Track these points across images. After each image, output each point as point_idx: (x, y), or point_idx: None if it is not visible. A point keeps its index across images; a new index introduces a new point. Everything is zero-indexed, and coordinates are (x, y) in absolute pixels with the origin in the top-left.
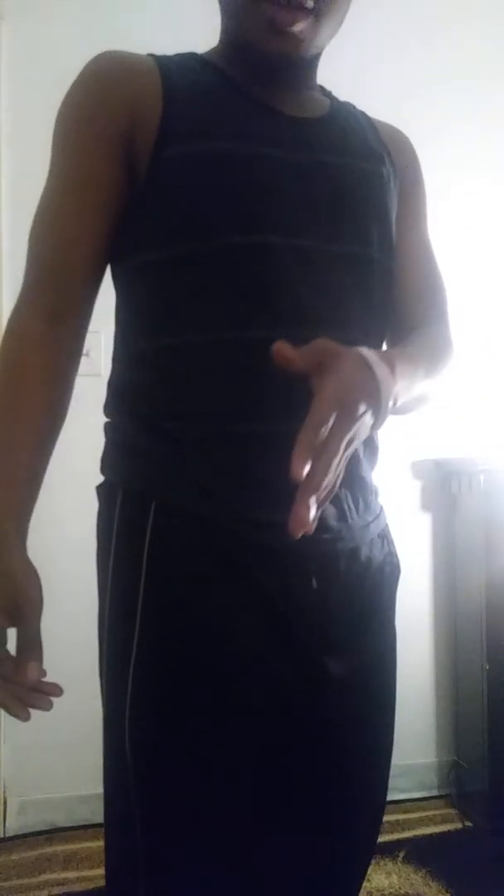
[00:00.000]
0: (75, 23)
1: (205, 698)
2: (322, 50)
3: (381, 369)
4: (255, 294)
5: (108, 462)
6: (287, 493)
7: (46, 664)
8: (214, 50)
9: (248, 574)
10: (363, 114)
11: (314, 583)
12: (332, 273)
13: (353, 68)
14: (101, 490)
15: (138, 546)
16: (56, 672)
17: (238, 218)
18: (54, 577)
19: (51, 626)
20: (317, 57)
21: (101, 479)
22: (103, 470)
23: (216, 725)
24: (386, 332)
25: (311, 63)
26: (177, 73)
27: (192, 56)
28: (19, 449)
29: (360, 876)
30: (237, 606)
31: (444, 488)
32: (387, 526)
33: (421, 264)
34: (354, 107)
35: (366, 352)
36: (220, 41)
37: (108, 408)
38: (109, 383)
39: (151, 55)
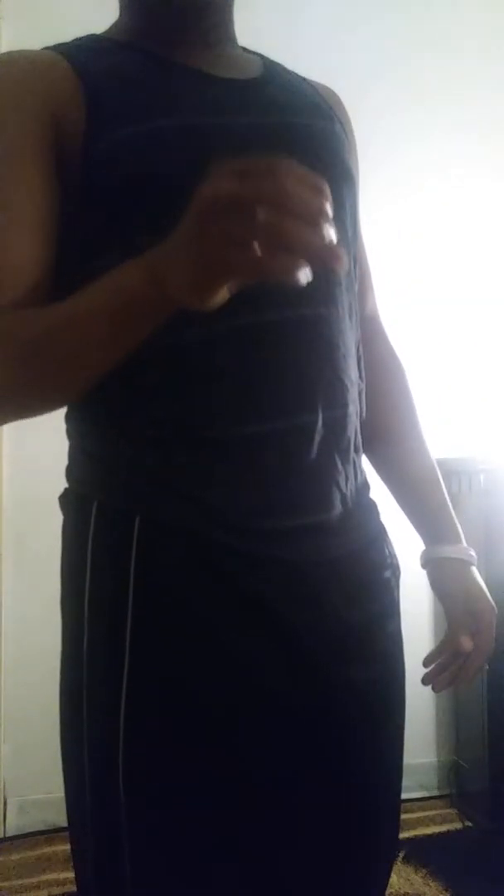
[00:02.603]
0: (76, 23)
1: (214, 738)
2: (232, 1)
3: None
4: None
5: (77, 473)
6: (286, 493)
7: (47, 668)
8: (118, 27)
9: (252, 593)
10: (294, 73)
11: (320, 594)
12: None
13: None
14: (67, 501)
15: (122, 567)
16: (55, 673)
17: None
18: (55, 580)
19: (52, 629)
20: (228, 7)
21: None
22: (70, 480)
23: (226, 766)
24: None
25: (223, 13)
26: (87, 58)
27: (95, 38)
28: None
29: (385, 880)
30: (242, 630)
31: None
32: (384, 526)
33: (361, 239)
34: (284, 66)
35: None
36: (124, 15)
37: (76, 415)
38: None
39: (49, 48)
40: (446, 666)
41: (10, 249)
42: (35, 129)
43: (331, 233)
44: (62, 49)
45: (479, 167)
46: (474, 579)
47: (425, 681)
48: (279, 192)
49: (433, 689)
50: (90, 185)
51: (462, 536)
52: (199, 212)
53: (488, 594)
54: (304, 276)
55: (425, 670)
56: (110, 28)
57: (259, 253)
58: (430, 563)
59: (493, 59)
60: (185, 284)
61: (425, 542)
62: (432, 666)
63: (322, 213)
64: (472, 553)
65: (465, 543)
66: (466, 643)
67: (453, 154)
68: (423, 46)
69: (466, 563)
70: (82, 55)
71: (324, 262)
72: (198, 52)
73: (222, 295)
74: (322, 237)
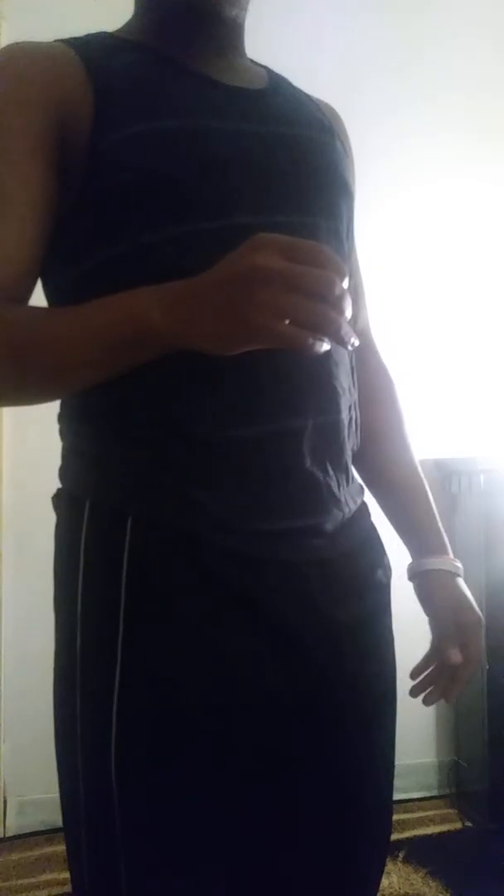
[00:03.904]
0: (76, 23)
1: (207, 736)
2: (246, 11)
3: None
4: None
5: (70, 473)
6: (279, 496)
7: (46, 668)
8: (131, 27)
9: (245, 593)
10: (298, 88)
11: (315, 593)
12: None
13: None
14: (60, 501)
15: (114, 567)
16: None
17: (203, 200)
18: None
19: (52, 629)
20: (243, 19)
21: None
22: (63, 480)
23: (220, 763)
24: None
25: (239, 25)
26: (99, 54)
27: (107, 35)
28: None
29: (379, 878)
30: (235, 630)
31: (444, 488)
32: (375, 527)
33: (355, 253)
34: (289, 80)
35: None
36: (139, 16)
37: (69, 415)
38: (72, 396)
39: (61, 40)
40: (434, 679)
41: (3, 241)
42: (38, 122)
43: (347, 315)
44: (73, 43)
45: (480, 165)
46: (462, 591)
47: (413, 693)
48: (324, 283)
49: (423, 702)
50: (94, 181)
51: (448, 547)
52: (243, 274)
53: (475, 605)
54: (320, 347)
55: (424, 703)
56: (123, 27)
57: (290, 327)
58: (418, 575)
59: (494, 57)
60: (212, 334)
61: (412, 555)
62: (419, 678)
63: (345, 301)
64: (459, 564)
65: (451, 554)
66: (455, 656)
67: (453, 153)
68: (422, 43)
69: (453, 575)
70: (93, 51)
71: (340, 342)
72: (208, 60)
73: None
74: (343, 323)
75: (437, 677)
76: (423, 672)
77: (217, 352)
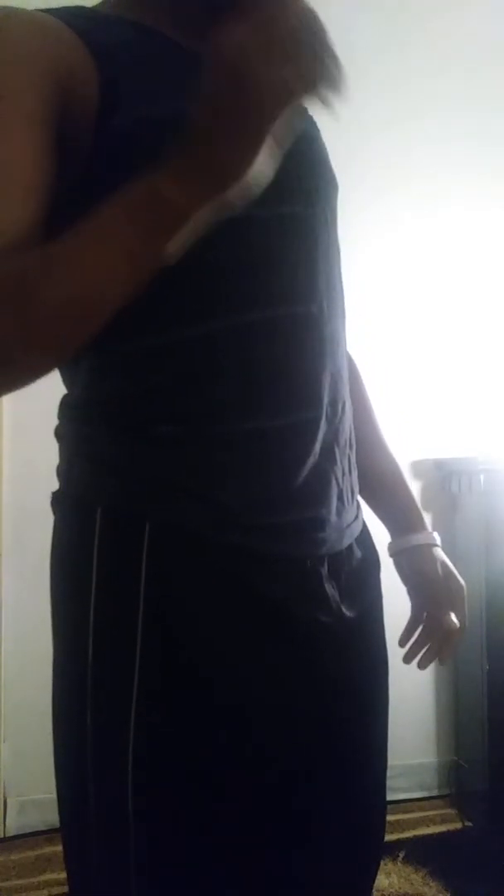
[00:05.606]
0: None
1: (227, 744)
2: None
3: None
4: (245, 275)
5: (76, 476)
6: (294, 488)
7: (47, 668)
8: (117, 3)
9: (263, 593)
10: None
11: (323, 588)
12: (317, 241)
13: None
14: (64, 506)
15: (131, 576)
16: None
17: None
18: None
19: (51, 628)
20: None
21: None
22: (66, 484)
23: (239, 767)
24: None
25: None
26: (92, 28)
27: (90, 10)
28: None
29: (374, 877)
30: (258, 633)
31: (444, 488)
32: (365, 522)
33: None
34: None
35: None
36: None
37: (75, 415)
38: (75, 395)
39: (44, 10)
40: (424, 643)
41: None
42: (38, 89)
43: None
44: (59, 14)
45: (479, 172)
46: (444, 560)
47: (407, 660)
48: (296, 28)
49: (418, 666)
50: (103, 159)
51: (426, 521)
52: (233, 75)
53: (457, 572)
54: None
55: (426, 670)
56: (104, 2)
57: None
58: (404, 552)
59: (489, 84)
60: (236, 147)
61: (393, 533)
62: (409, 645)
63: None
64: (437, 535)
65: (429, 528)
66: (452, 621)
67: (454, 163)
68: (418, 69)
69: (435, 547)
70: (85, 25)
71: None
72: (202, 44)
73: (261, 169)
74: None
75: (426, 641)
76: (409, 638)
77: (239, 184)
